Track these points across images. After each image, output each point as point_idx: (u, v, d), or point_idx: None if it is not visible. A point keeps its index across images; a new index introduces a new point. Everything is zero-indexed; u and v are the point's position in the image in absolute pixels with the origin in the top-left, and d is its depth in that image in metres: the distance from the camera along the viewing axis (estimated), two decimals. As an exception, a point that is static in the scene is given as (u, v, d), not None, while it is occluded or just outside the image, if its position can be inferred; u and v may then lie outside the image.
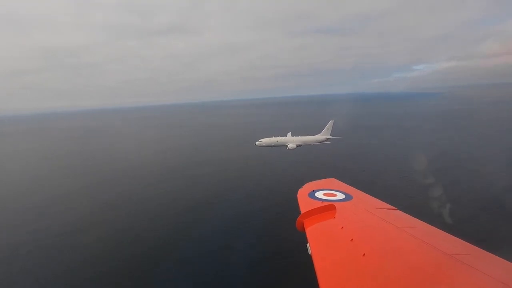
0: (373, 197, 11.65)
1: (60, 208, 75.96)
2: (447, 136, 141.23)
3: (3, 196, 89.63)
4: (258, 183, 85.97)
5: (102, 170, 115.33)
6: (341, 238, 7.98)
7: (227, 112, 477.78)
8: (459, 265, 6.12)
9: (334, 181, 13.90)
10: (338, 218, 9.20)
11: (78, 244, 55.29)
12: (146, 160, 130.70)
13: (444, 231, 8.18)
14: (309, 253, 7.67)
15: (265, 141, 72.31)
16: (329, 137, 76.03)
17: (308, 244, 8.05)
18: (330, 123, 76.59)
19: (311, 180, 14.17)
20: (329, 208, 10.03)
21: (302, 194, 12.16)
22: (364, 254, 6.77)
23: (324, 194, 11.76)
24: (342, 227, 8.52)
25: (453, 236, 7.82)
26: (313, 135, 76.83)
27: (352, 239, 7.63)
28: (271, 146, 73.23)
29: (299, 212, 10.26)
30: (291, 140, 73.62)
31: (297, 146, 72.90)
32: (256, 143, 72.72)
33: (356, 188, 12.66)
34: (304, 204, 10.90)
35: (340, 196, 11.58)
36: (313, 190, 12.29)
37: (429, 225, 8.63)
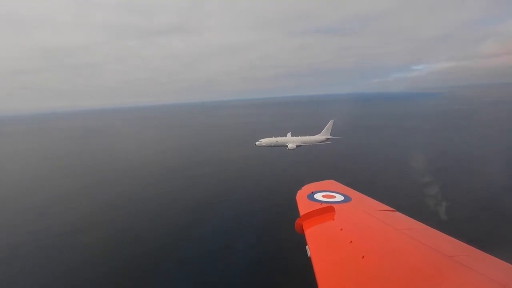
0: (371, 199, 11.66)
1: (60, 208, 76.00)
2: (447, 136, 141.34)
3: (3, 196, 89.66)
4: (258, 183, 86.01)
5: (102, 170, 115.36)
6: (340, 240, 7.99)
7: (227, 112, 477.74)
8: (458, 266, 6.13)
9: (333, 183, 13.90)
10: (337, 220, 9.21)
11: (78, 244, 55.32)
12: (146, 160, 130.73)
13: (444, 232, 8.19)
14: (309, 255, 7.65)
15: (265, 141, 72.32)
16: (329, 137, 76.03)
17: (307, 246, 8.05)
18: (330, 123, 76.58)
19: (311, 180, 14.17)
20: (328, 210, 10.03)
21: (301, 196, 12.14)
22: (363, 256, 6.78)
23: (323, 196, 11.75)
24: (341, 229, 8.53)
25: (452, 238, 7.84)
26: (313, 135, 76.84)
27: (351, 241, 7.64)
28: (271, 147, 73.26)
29: (298, 214, 10.26)
30: (291, 141, 73.65)
31: (297, 146, 72.96)
32: (256, 143, 72.73)
33: (356, 188, 12.67)
34: (303, 206, 10.90)
35: (339, 197, 11.58)
36: (312, 192, 12.28)
37: (428, 226, 8.65)
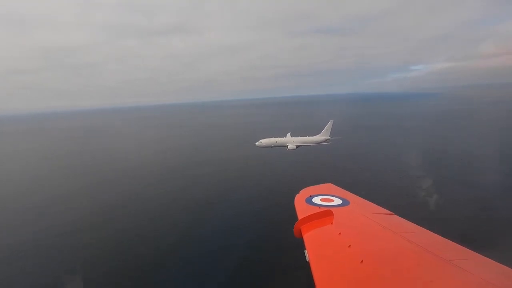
0: (370, 202, 11.66)
1: (60, 208, 76.00)
2: (447, 136, 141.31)
3: (3, 196, 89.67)
4: (258, 183, 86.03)
5: (102, 170, 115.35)
6: (339, 245, 8.00)
7: (227, 112, 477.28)
8: (457, 270, 6.15)
9: (331, 186, 13.87)
10: (336, 224, 9.21)
11: (78, 244, 55.33)
12: (146, 160, 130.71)
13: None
14: (307, 260, 7.64)
15: (265, 141, 72.37)
16: (329, 137, 76.04)
17: (305, 251, 8.05)
18: (330, 124, 76.58)
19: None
20: (326, 214, 10.00)
21: (299, 200, 12.06)
22: (362, 261, 6.79)
23: (321, 200, 11.73)
24: (340, 233, 8.54)
25: (450, 241, 7.85)
26: (312, 136, 76.89)
27: (349, 246, 7.65)
28: (271, 147, 73.35)
29: (296, 218, 10.26)
30: (290, 141, 73.71)
31: (297, 146, 73.02)
32: (256, 143, 72.76)
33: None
34: (301, 210, 10.85)
35: (337, 201, 11.56)
36: (310, 196, 12.24)
37: (426, 230, 8.65)
